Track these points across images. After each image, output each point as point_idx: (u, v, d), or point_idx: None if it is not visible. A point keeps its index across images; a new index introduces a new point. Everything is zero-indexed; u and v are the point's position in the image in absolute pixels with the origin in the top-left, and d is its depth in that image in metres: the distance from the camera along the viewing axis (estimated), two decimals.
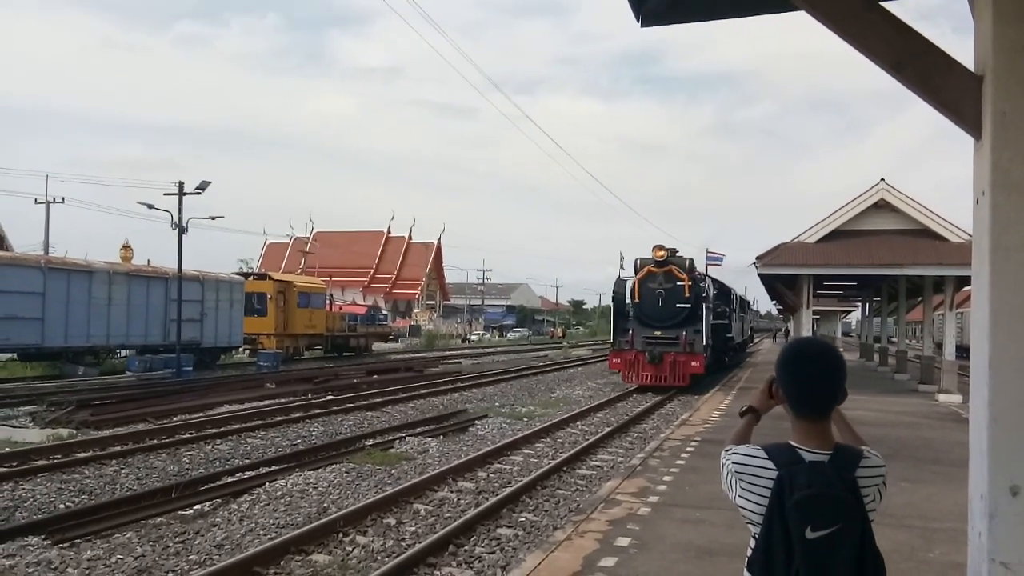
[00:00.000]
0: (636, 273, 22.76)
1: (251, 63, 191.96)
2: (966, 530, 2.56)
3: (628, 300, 23.02)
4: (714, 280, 27.08)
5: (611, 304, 24.30)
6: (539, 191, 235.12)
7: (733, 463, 2.07)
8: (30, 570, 6.60)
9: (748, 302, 47.64)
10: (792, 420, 2.07)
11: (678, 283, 22.07)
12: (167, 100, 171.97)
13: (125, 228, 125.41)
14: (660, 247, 22.45)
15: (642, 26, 3.17)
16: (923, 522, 7.07)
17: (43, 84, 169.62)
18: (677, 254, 22.99)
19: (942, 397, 18.70)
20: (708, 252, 28.08)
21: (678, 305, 21.99)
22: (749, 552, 2.05)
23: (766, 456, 2.02)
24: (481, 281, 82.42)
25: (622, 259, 23.83)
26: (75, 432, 13.58)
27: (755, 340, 62.67)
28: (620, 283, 23.67)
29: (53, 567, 6.68)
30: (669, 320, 22.00)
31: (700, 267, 26.32)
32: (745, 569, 2.06)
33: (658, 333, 21.95)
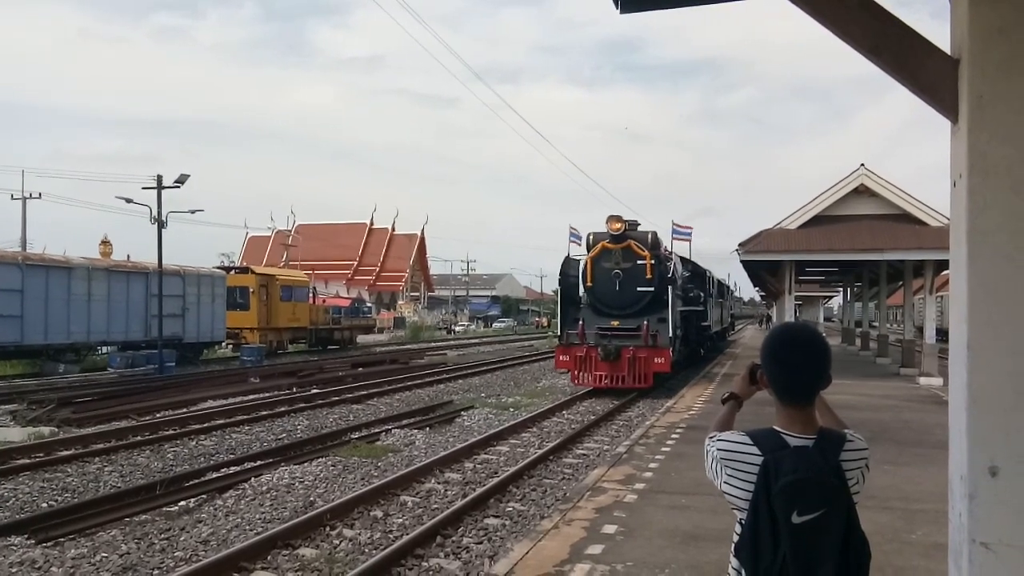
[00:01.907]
0: (589, 251, 18.73)
1: (230, 54, 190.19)
2: (947, 511, 2.58)
3: (580, 284, 19.24)
4: (685, 259, 23.45)
5: (558, 289, 20.06)
6: (523, 181, 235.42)
7: (718, 449, 2.07)
8: (13, 570, 6.54)
9: (728, 287, 45.83)
10: (777, 405, 2.07)
11: (638, 262, 18.15)
12: (146, 93, 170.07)
13: (104, 223, 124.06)
14: (617, 218, 18.25)
15: (621, 12, 3.13)
16: (905, 504, 7.15)
17: (19, 76, 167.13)
18: (638, 227, 19.06)
19: (923, 380, 18.91)
20: (674, 225, 24.53)
21: (639, 288, 18.19)
22: (735, 537, 2.06)
23: (751, 442, 2.02)
24: (465, 272, 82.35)
25: (572, 234, 20.34)
26: (57, 430, 13.45)
27: (736, 328, 62.61)
28: (571, 263, 19.57)
29: (37, 566, 6.61)
30: (628, 307, 18.19)
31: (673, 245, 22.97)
32: (732, 554, 2.07)
33: (615, 323, 18.11)
